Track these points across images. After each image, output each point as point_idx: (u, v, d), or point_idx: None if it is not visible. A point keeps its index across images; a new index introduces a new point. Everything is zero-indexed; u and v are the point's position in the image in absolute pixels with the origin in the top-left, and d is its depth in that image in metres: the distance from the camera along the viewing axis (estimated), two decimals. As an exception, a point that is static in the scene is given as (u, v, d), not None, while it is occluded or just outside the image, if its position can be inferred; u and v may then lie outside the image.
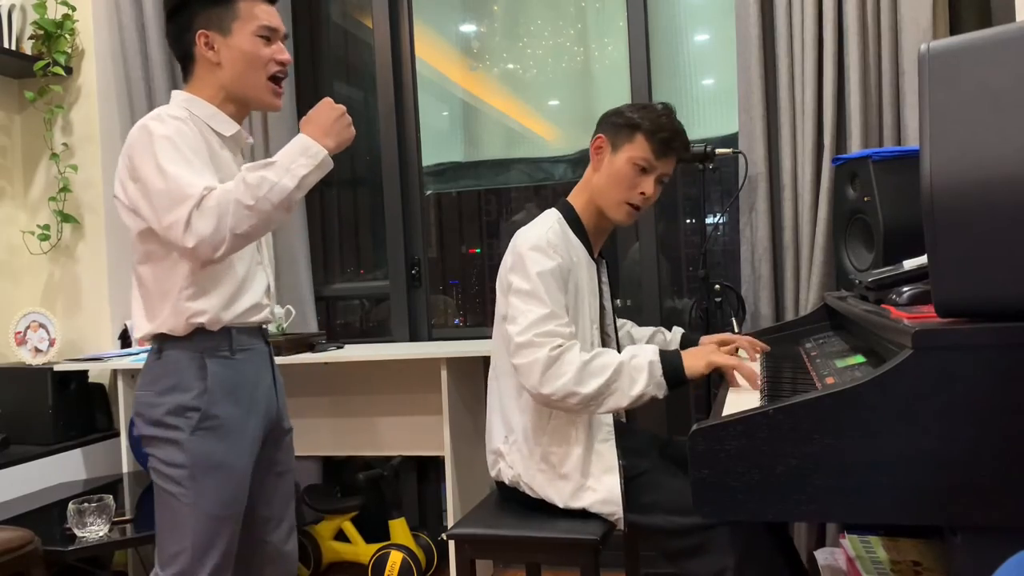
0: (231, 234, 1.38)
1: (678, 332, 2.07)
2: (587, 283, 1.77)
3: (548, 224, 1.75)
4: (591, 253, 1.82)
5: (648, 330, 2.08)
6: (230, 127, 1.60)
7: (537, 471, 1.71)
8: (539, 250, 1.68)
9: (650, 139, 1.74)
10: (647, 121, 1.74)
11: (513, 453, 1.75)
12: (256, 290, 1.61)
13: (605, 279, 1.92)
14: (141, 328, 1.57)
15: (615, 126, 1.78)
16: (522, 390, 1.70)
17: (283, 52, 1.61)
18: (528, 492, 1.73)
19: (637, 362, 1.60)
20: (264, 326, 1.68)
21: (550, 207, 1.86)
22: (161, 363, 1.54)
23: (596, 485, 1.66)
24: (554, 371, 1.58)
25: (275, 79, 1.61)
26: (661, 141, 1.74)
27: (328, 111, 1.51)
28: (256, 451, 1.60)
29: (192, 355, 1.53)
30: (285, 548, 1.69)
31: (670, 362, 1.61)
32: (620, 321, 2.05)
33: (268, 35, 1.59)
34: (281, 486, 1.70)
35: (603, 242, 1.90)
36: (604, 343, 1.87)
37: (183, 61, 1.62)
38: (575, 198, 1.84)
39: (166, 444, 1.51)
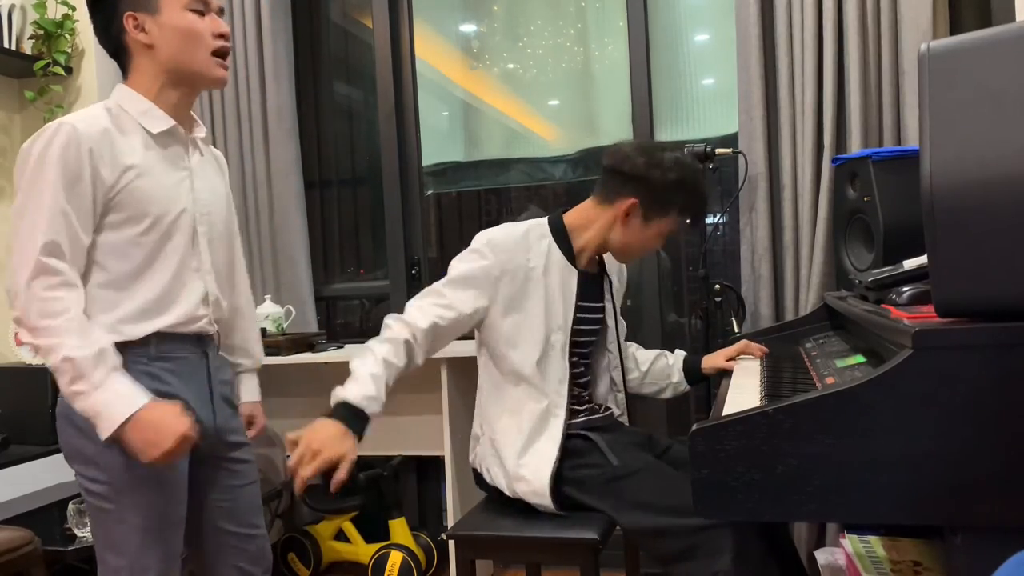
0: (32, 327, 1.36)
1: (680, 355, 2.06)
2: (557, 288, 1.73)
3: (510, 227, 1.76)
4: (573, 261, 1.77)
5: (652, 353, 2.07)
6: (160, 123, 1.50)
7: (489, 454, 1.75)
8: (475, 249, 1.71)
9: (685, 217, 1.81)
10: (690, 206, 1.78)
11: (481, 437, 1.80)
12: (187, 301, 1.51)
13: (608, 296, 1.90)
14: None
15: (653, 196, 1.73)
16: (490, 376, 1.76)
17: (220, 25, 1.51)
18: (485, 476, 1.77)
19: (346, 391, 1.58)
20: (202, 336, 1.56)
21: (550, 207, 1.86)
22: None
23: (529, 476, 1.67)
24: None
25: (220, 54, 1.51)
26: (695, 218, 1.84)
27: (170, 436, 1.35)
28: (186, 462, 1.51)
29: None
30: (266, 554, 1.68)
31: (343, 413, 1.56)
32: (624, 343, 2.01)
33: (200, 8, 1.49)
34: (245, 498, 1.64)
35: (590, 258, 1.84)
36: (587, 356, 1.88)
37: (117, 56, 1.52)
38: (574, 222, 1.79)
39: (84, 458, 1.44)
